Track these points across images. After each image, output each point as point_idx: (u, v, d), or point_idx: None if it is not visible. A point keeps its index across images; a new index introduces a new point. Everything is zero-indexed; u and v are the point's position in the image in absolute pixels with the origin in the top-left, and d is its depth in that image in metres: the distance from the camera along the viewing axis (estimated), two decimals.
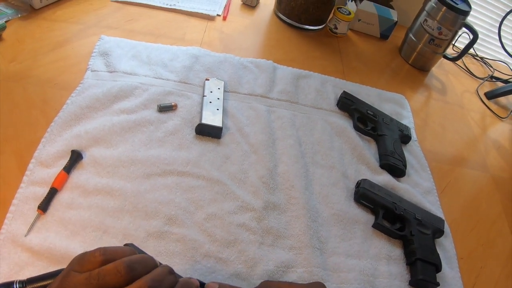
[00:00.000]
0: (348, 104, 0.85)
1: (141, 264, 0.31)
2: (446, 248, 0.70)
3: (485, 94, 1.14)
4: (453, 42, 1.18)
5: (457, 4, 0.99)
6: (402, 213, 0.68)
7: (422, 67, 1.13)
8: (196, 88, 0.77)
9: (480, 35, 1.04)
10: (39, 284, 0.46)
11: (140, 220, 0.56)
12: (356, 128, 0.82)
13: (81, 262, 0.31)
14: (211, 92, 0.75)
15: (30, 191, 0.56)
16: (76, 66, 0.75)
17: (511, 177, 0.92)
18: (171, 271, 0.33)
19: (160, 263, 0.34)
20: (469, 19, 1.03)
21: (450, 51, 1.19)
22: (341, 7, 1.09)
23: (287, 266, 0.58)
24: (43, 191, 0.56)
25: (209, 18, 0.98)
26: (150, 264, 0.32)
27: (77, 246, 0.52)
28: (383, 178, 0.74)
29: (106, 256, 0.31)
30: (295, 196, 0.65)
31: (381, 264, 0.63)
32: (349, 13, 1.07)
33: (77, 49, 0.79)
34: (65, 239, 0.52)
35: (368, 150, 0.79)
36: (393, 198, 0.70)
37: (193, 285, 0.34)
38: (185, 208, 0.59)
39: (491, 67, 1.27)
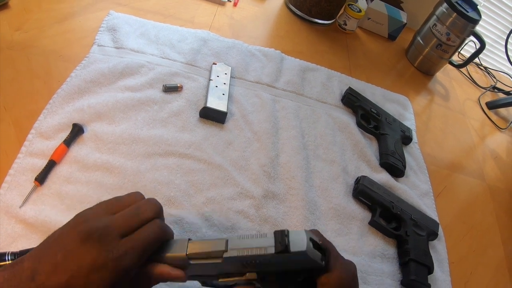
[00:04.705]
0: (352, 101, 0.84)
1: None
2: (439, 251, 0.70)
3: (487, 103, 1.15)
4: (459, 50, 1.18)
5: (468, 12, 0.99)
6: (398, 212, 0.68)
7: (427, 71, 1.13)
8: (202, 71, 0.76)
9: (486, 45, 1.04)
10: None
11: None
12: (359, 125, 0.82)
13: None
14: (218, 76, 0.74)
15: (27, 162, 0.54)
16: (82, 39, 0.74)
17: (506, 188, 0.93)
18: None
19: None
20: (477, 28, 1.03)
21: (455, 58, 1.20)
22: (352, 4, 1.08)
23: None
24: (41, 163, 0.54)
25: (219, 2, 0.97)
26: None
27: None
28: (382, 177, 0.74)
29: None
30: (295, 187, 0.65)
31: (375, 261, 0.63)
32: (360, 11, 1.07)
33: (85, 23, 0.77)
34: (60, 213, 0.51)
35: (369, 147, 0.79)
36: (391, 197, 0.70)
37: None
38: (185, 191, 0.59)
39: (494, 77, 1.28)
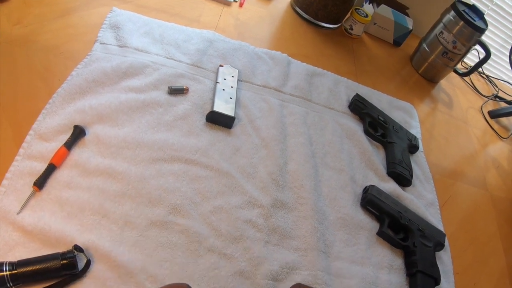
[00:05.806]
0: (360, 108, 0.83)
1: None
2: (444, 262, 0.69)
3: (489, 112, 1.15)
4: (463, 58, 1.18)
5: (475, 21, 0.99)
6: (406, 223, 0.67)
7: (431, 78, 1.13)
8: (208, 73, 0.74)
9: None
10: (30, 268, 0.42)
11: (143, 207, 0.53)
12: (366, 132, 0.81)
13: None
14: (225, 79, 0.72)
15: (25, 165, 0.52)
16: (84, 36, 0.71)
17: (508, 197, 0.92)
18: None
19: None
20: (482, 37, 1.02)
21: (459, 66, 1.19)
22: (359, 9, 1.07)
23: (292, 267, 0.56)
24: (40, 167, 0.52)
25: (225, 3, 0.94)
26: None
27: (73, 229, 0.49)
28: (389, 186, 0.73)
29: None
30: (304, 196, 0.63)
31: (382, 272, 0.62)
32: (366, 16, 1.05)
33: (86, 19, 0.74)
34: (60, 220, 0.49)
35: (377, 156, 0.77)
36: (399, 207, 0.69)
37: None
38: (191, 198, 0.56)
39: (496, 86, 1.28)
